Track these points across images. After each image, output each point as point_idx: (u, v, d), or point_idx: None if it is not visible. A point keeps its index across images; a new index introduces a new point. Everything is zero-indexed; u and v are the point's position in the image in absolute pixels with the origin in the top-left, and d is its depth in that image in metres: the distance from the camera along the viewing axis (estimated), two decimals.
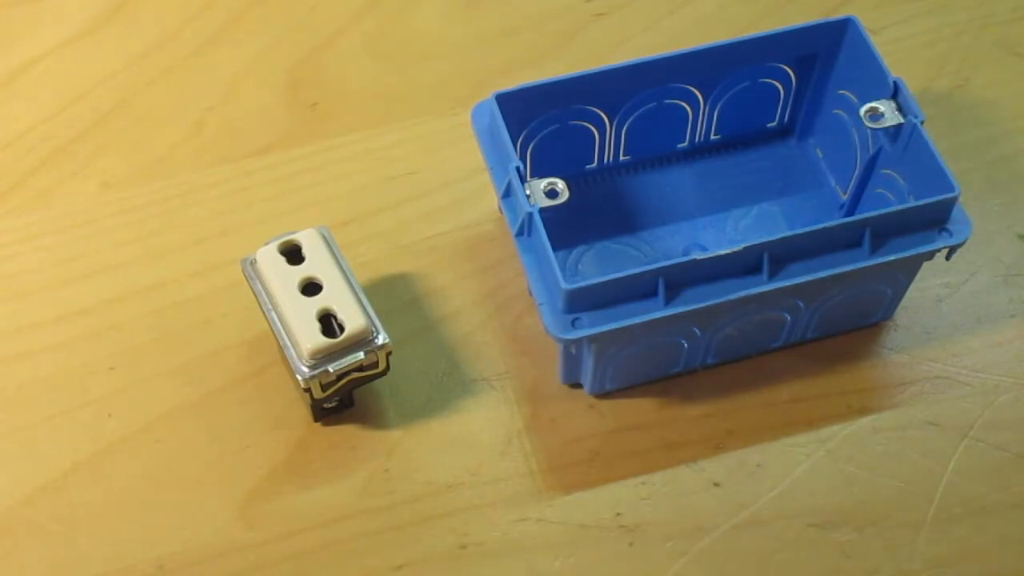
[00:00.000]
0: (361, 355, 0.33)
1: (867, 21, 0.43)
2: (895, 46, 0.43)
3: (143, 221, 0.39)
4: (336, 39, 0.43)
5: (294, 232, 0.35)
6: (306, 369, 0.33)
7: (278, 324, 0.34)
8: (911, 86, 0.41)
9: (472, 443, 0.36)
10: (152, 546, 0.34)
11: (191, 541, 0.34)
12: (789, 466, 0.35)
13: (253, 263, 0.35)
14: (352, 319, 0.33)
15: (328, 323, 0.34)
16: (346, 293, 0.34)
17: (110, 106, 0.42)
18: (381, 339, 0.34)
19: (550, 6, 0.44)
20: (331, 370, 0.33)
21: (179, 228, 0.39)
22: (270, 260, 0.34)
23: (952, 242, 0.33)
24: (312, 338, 0.33)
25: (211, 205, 0.40)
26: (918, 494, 0.35)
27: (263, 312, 0.34)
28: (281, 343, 0.34)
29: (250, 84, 0.42)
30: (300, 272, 0.34)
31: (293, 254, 0.35)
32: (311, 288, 0.34)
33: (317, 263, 0.34)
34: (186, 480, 0.35)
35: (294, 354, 0.33)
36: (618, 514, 0.35)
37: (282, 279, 0.34)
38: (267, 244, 0.35)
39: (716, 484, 0.35)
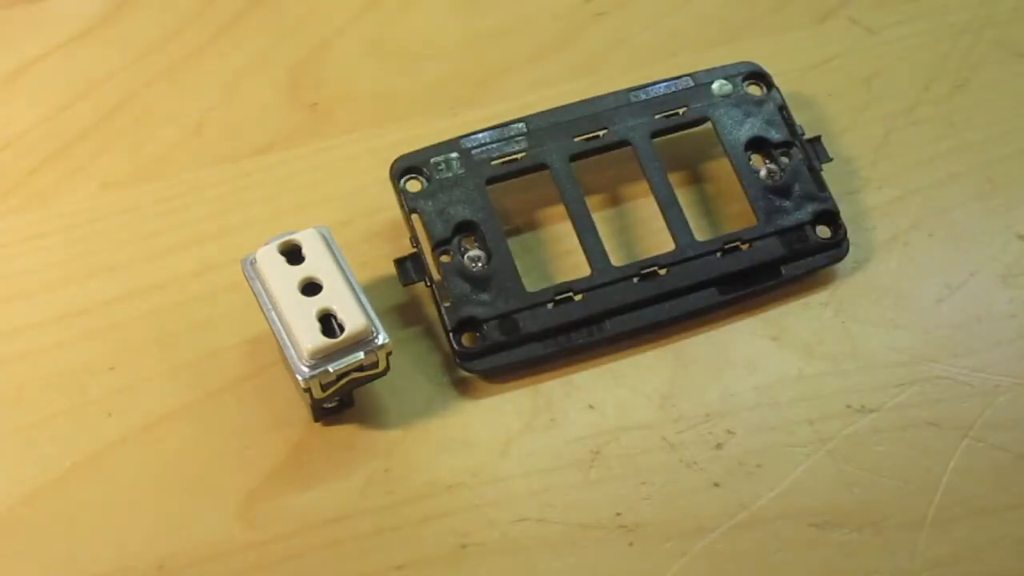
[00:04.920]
0: (361, 355, 0.33)
1: (867, 21, 0.43)
2: (895, 46, 0.43)
3: (143, 221, 0.39)
4: (336, 39, 0.43)
5: (294, 232, 0.35)
6: (306, 369, 0.33)
7: (278, 324, 0.34)
8: (911, 86, 0.41)
9: (472, 443, 0.36)
10: (152, 546, 0.34)
11: (191, 541, 0.34)
12: (789, 466, 0.35)
13: (253, 263, 0.35)
14: (352, 319, 0.33)
15: (328, 323, 0.34)
16: (346, 293, 0.34)
17: (110, 106, 0.42)
18: (381, 339, 0.34)
19: (550, 6, 0.44)
20: (331, 370, 0.33)
21: (179, 228, 0.39)
22: (270, 260, 0.34)
23: None
24: (312, 338, 0.33)
25: (211, 205, 0.40)
26: (918, 494, 0.35)
27: (263, 312, 0.34)
28: (281, 343, 0.34)
29: (250, 84, 0.42)
30: (300, 272, 0.34)
31: (293, 254, 0.35)
32: (311, 288, 0.34)
33: (317, 263, 0.34)
34: (186, 480, 0.35)
35: (294, 354, 0.33)
36: (618, 514, 0.35)
37: (282, 279, 0.34)
38: (267, 244, 0.35)
39: (716, 484, 0.35)
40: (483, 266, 0.37)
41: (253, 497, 0.35)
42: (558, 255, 0.39)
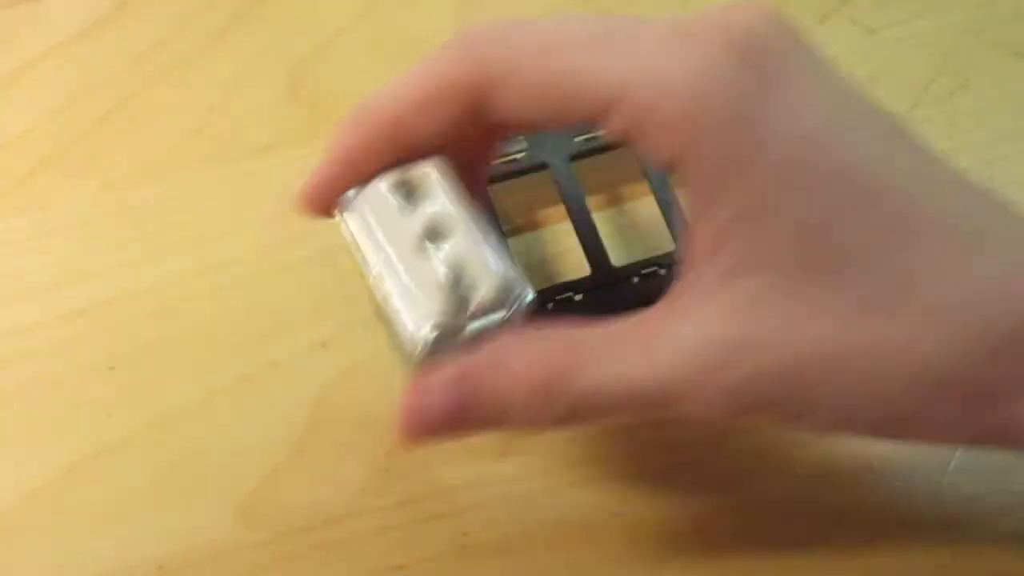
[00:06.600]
0: (501, 315, 0.29)
1: (867, 21, 0.43)
2: (895, 46, 0.43)
3: (143, 221, 0.39)
4: (336, 39, 0.43)
5: (410, 167, 0.30)
6: (423, 345, 0.28)
7: (386, 283, 0.29)
8: (911, 86, 0.41)
9: (472, 443, 0.35)
10: (152, 546, 0.34)
11: (191, 541, 0.34)
12: (790, 466, 0.35)
13: (350, 206, 0.30)
14: (488, 276, 0.28)
15: (456, 282, 0.29)
16: (479, 239, 0.29)
17: (110, 106, 0.42)
18: (529, 295, 0.29)
19: (550, 6, 0.44)
20: (459, 338, 0.28)
21: (179, 228, 0.39)
22: (381, 202, 0.29)
23: None
24: (437, 305, 0.28)
25: (211, 205, 0.40)
26: (918, 494, 0.35)
27: (361, 264, 0.30)
28: (386, 308, 0.29)
29: (250, 84, 0.42)
30: (419, 219, 0.29)
31: (410, 192, 0.29)
32: (434, 236, 0.29)
33: (442, 207, 0.29)
34: (186, 480, 0.35)
35: (407, 320, 0.28)
36: (618, 514, 0.35)
37: (397, 227, 0.29)
38: (376, 181, 0.29)
39: (716, 484, 0.35)
40: None
41: (253, 497, 0.35)
42: (558, 255, 0.39)
